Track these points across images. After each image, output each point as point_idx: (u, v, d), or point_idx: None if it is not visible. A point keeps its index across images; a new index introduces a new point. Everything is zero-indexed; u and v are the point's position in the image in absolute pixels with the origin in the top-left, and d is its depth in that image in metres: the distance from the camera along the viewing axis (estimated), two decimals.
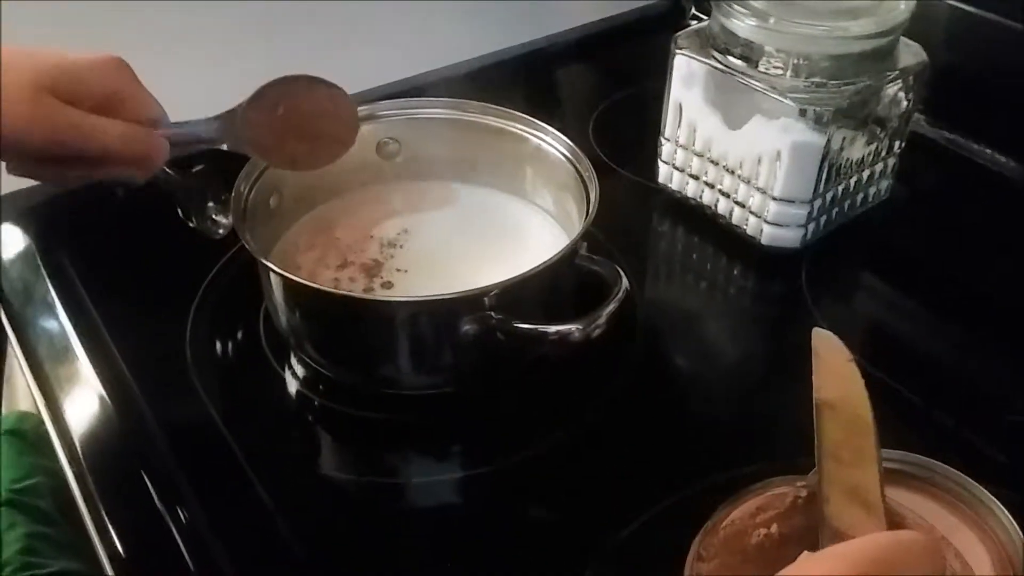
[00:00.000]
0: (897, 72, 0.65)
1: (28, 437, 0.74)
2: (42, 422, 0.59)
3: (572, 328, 0.50)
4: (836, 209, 0.69)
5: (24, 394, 0.76)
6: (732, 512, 0.41)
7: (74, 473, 0.54)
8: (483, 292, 0.51)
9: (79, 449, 0.55)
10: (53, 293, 0.65)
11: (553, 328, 0.50)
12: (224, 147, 0.55)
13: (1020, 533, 0.44)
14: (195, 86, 0.84)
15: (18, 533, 0.68)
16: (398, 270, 0.61)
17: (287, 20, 0.96)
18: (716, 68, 0.66)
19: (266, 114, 0.55)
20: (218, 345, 0.62)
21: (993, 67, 0.77)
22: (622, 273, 0.53)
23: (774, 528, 0.40)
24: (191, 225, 0.60)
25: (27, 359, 0.61)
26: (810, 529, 0.39)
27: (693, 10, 0.96)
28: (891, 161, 0.71)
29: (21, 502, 0.70)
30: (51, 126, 0.48)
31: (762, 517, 0.41)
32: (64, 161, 0.50)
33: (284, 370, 0.60)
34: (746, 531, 0.40)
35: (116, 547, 0.50)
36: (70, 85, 0.49)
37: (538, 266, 0.52)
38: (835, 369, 0.43)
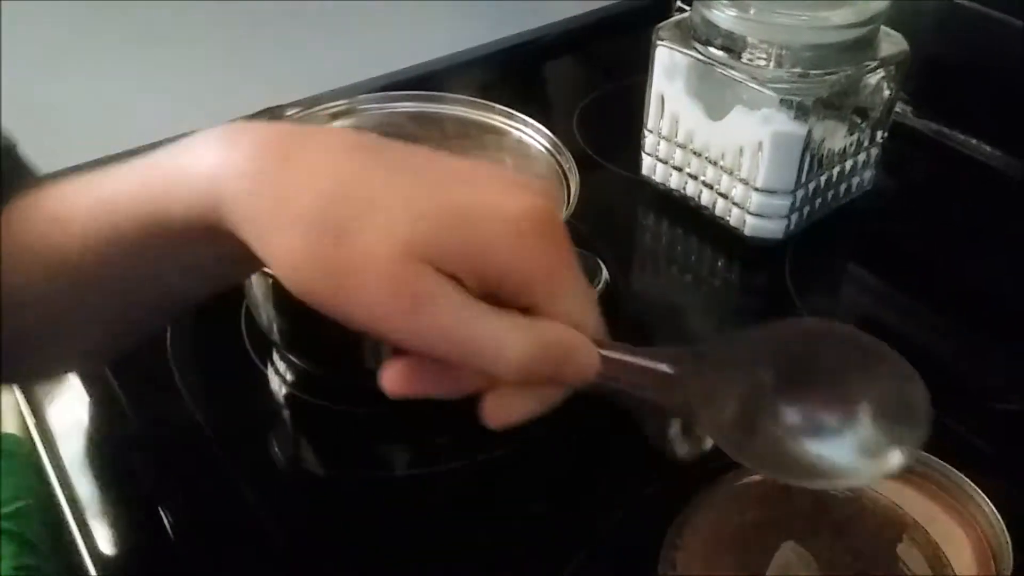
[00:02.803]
0: (878, 61, 0.64)
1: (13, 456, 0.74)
2: (20, 439, 0.59)
3: None
4: (819, 200, 0.69)
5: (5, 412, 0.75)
6: (707, 502, 0.41)
7: (57, 477, 0.54)
8: None
9: (59, 448, 0.55)
10: None
11: None
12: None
13: (1001, 522, 0.44)
14: (178, 84, 0.84)
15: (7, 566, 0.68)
16: None
17: (270, 16, 0.96)
18: (698, 59, 0.66)
19: None
20: (200, 344, 0.62)
21: (979, 57, 0.77)
22: (602, 265, 0.53)
23: (749, 516, 0.40)
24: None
25: None
26: (786, 516, 0.39)
27: (679, 2, 0.96)
28: (874, 151, 0.71)
29: (9, 531, 0.70)
30: (415, 323, 0.31)
31: (738, 505, 0.40)
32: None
33: (266, 367, 0.60)
34: (722, 520, 0.40)
35: (98, 549, 0.50)
36: (464, 257, 0.31)
37: None
38: None
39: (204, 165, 0.35)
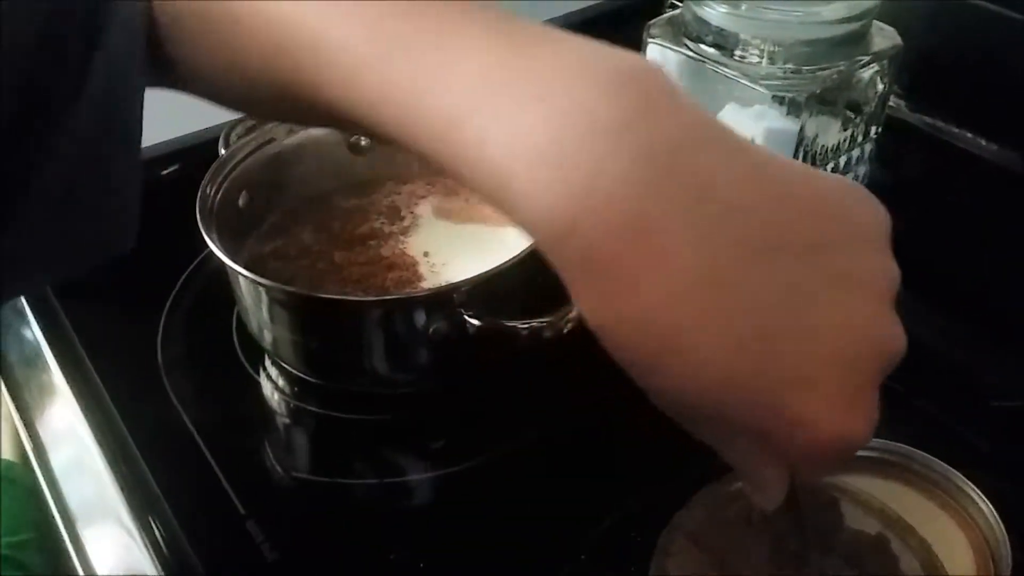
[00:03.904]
0: (871, 56, 0.64)
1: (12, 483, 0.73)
2: (16, 465, 0.58)
3: (543, 323, 0.49)
4: None
5: (3, 438, 0.75)
6: (699, 505, 0.41)
7: (48, 488, 0.54)
8: (453, 289, 0.51)
9: (50, 458, 0.55)
10: (23, 299, 0.64)
11: (524, 324, 0.50)
12: None
13: (1000, 521, 0.43)
14: None
15: None
16: (370, 267, 0.60)
17: None
18: (689, 57, 0.65)
19: None
20: (190, 350, 0.61)
21: (972, 50, 0.76)
22: None
23: (740, 521, 0.40)
24: None
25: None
26: (778, 520, 0.39)
27: None
28: (868, 146, 0.70)
29: (14, 559, 0.69)
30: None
31: (728, 510, 0.40)
32: None
33: (258, 373, 0.60)
34: (713, 524, 0.40)
35: (91, 565, 0.49)
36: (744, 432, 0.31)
37: (506, 262, 0.51)
38: None
39: (543, 186, 0.28)
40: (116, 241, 0.36)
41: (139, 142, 0.35)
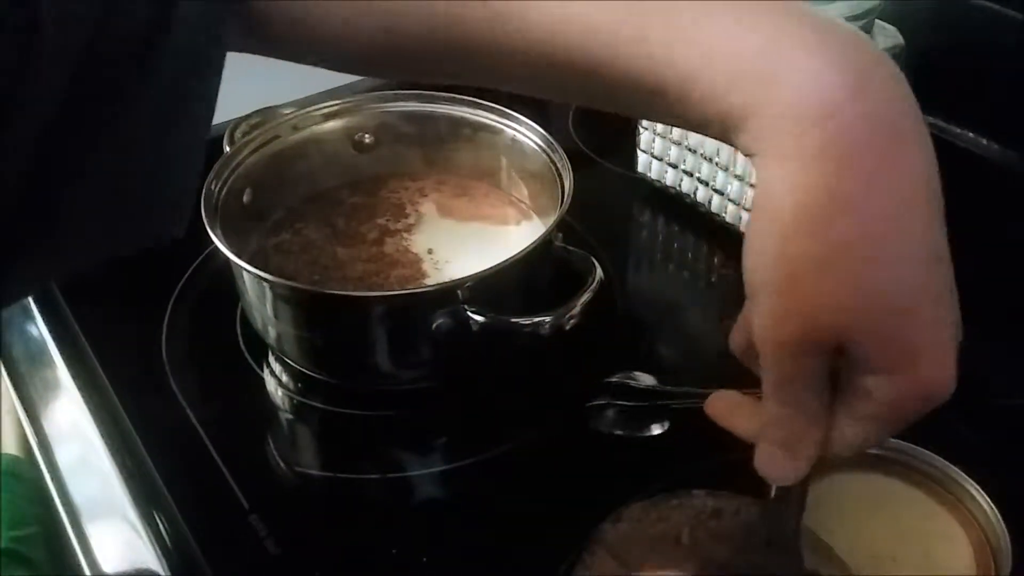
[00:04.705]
0: None
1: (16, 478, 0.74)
2: (20, 460, 0.58)
3: (544, 320, 0.49)
4: None
5: (7, 433, 0.75)
6: (624, 520, 0.41)
7: (53, 483, 0.54)
8: (456, 285, 0.51)
9: (55, 454, 0.55)
10: (29, 296, 0.65)
11: (525, 320, 0.50)
12: None
13: (1001, 519, 0.44)
14: None
15: None
16: (373, 264, 0.60)
17: None
18: None
19: None
20: (195, 346, 0.61)
21: (974, 50, 0.76)
22: (596, 264, 0.53)
23: (668, 539, 0.40)
24: None
25: (4, 364, 0.61)
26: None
27: None
28: None
29: (18, 552, 0.70)
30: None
31: (655, 528, 0.41)
32: None
33: (262, 369, 0.60)
34: (636, 539, 0.40)
35: (96, 560, 0.50)
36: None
37: (509, 258, 0.51)
38: None
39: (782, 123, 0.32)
40: (170, 221, 0.37)
41: (212, 106, 0.36)
